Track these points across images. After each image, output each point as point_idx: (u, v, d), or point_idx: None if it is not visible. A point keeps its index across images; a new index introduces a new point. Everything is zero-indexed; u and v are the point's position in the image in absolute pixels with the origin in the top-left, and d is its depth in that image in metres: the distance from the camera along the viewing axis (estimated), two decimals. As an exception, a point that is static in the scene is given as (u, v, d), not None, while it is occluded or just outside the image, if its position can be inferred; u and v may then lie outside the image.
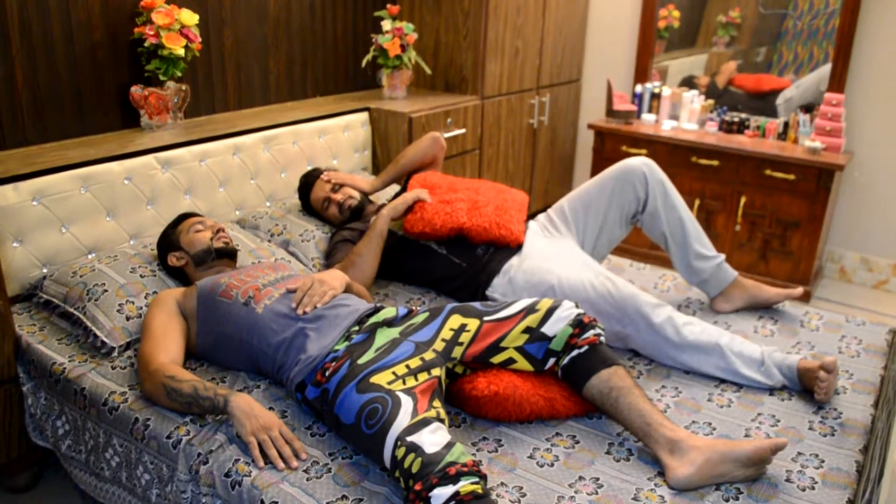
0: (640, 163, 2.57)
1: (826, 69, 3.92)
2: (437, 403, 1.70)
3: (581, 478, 1.69)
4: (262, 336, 1.95)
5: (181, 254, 2.28)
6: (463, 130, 3.62)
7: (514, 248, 2.51)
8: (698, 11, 4.44)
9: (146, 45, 2.60)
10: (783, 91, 4.13)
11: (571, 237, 2.64)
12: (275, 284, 2.08)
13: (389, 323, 1.97)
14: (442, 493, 1.44)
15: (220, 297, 2.04)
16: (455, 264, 2.51)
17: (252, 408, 1.73)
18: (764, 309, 2.58)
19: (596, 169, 4.32)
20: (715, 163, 3.91)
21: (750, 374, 2.10)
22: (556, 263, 2.40)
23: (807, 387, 2.06)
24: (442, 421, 1.63)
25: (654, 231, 2.61)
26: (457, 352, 1.89)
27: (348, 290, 2.17)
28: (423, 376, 1.75)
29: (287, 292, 2.05)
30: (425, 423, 1.57)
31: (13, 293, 2.28)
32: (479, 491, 1.46)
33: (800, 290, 2.56)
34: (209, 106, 3.08)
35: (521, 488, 1.65)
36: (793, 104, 4.06)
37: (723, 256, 2.57)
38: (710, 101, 4.26)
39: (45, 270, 2.34)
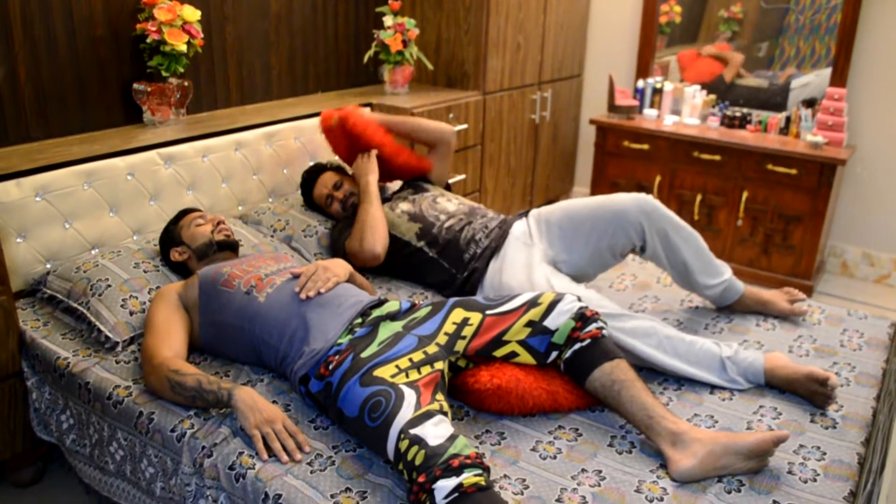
0: (637, 210, 2.37)
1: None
2: (440, 396, 1.70)
3: (584, 470, 1.70)
4: (264, 325, 1.96)
5: (183, 248, 2.29)
6: (465, 126, 3.62)
7: (493, 249, 2.46)
8: (700, 6, 4.44)
9: (148, 41, 2.60)
10: (800, 77, 4.11)
11: (548, 253, 2.48)
12: (277, 274, 2.09)
13: (393, 316, 1.97)
14: (445, 485, 1.44)
15: (221, 287, 2.05)
16: (445, 269, 2.51)
17: (256, 401, 1.74)
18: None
19: (598, 164, 4.32)
20: (717, 158, 3.91)
21: (712, 379, 2.07)
22: (515, 279, 2.36)
23: (775, 387, 2.06)
24: (445, 414, 1.64)
25: (655, 264, 2.49)
26: (459, 345, 1.89)
27: (352, 280, 2.18)
28: (426, 370, 1.76)
29: (291, 278, 2.06)
30: (428, 415, 1.58)
31: (17, 288, 2.29)
32: (483, 483, 1.47)
33: (805, 308, 2.47)
34: (211, 102, 3.08)
35: (524, 480, 1.65)
36: (807, 91, 4.03)
37: (729, 276, 2.45)
38: (712, 97, 4.25)
39: (48, 266, 2.35)
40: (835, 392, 1.95)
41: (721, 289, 2.45)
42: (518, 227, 2.55)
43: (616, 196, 2.45)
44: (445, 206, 2.66)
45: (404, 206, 2.67)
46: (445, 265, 2.51)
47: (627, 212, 2.38)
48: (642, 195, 2.41)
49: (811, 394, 1.98)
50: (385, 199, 2.77)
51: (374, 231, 2.48)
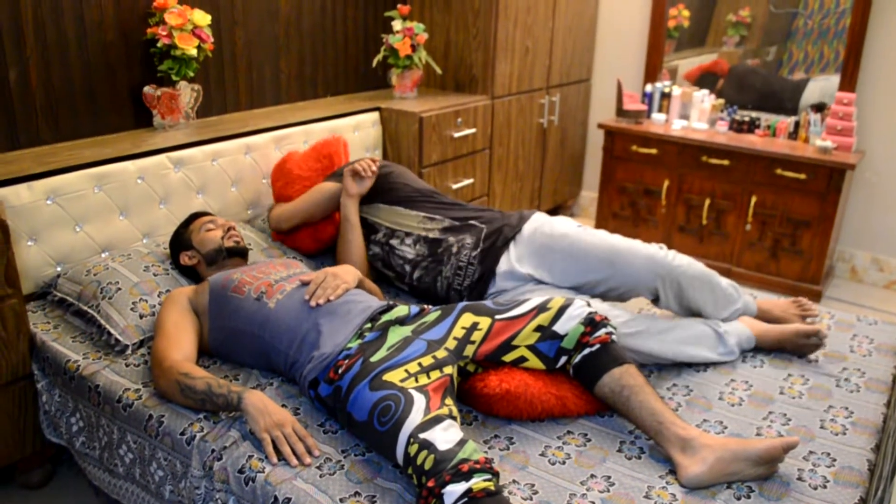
0: (651, 275, 2.21)
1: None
2: (449, 401, 1.70)
3: (593, 476, 1.70)
4: (275, 331, 1.96)
5: (193, 253, 2.30)
6: (473, 130, 3.62)
7: (479, 292, 2.37)
8: (708, 11, 4.44)
9: (159, 45, 2.62)
10: (819, 76, 4.08)
11: (544, 280, 2.36)
12: (287, 280, 2.10)
13: (402, 321, 1.98)
14: (454, 489, 1.44)
15: (232, 293, 2.05)
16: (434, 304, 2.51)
17: (265, 405, 1.75)
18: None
19: (606, 169, 4.31)
20: (725, 162, 3.90)
21: (713, 357, 2.20)
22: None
23: (763, 348, 2.28)
24: (454, 418, 1.64)
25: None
26: (469, 350, 1.89)
27: (360, 286, 2.18)
28: (435, 374, 1.76)
29: (300, 285, 2.06)
30: (438, 420, 1.58)
31: (28, 291, 2.30)
32: (492, 488, 1.47)
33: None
34: (221, 106, 3.09)
35: (533, 486, 1.65)
36: (829, 87, 4.00)
37: (739, 306, 2.33)
38: (721, 101, 4.25)
39: (59, 269, 2.36)
40: (824, 340, 2.21)
41: (735, 317, 2.36)
42: (503, 266, 2.36)
43: (628, 252, 2.25)
44: (404, 252, 2.49)
45: (374, 248, 2.57)
46: (432, 303, 2.47)
47: (640, 277, 2.24)
48: (657, 255, 2.23)
49: (799, 347, 2.24)
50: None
51: (346, 252, 2.50)
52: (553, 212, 2.65)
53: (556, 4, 4.12)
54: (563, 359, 1.91)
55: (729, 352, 2.22)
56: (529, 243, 2.37)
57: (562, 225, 2.39)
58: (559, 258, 2.32)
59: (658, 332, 2.17)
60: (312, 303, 1.98)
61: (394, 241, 2.51)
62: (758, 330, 2.28)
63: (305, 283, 2.07)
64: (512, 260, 2.36)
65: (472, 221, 2.46)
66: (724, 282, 2.35)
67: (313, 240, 2.68)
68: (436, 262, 2.43)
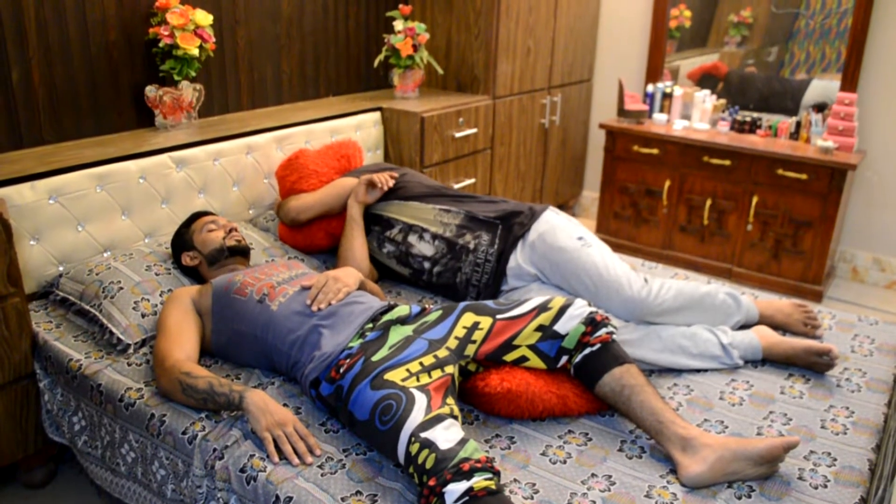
0: (628, 318, 2.24)
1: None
2: (450, 400, 1.71)
3: (593, 475, 1.70)
4: (277, 333, 1.97)
5: (194, 253, 2.30)
6: (474, 130, 3.63)
7: (493, 290, 2.42)
8: (710, 11, 4.44)
9: (161, 45, 2.62)
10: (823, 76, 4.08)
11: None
12: (289, 282, 2.10)
13: (403, 321, 1.98)
14: (456, 488, 1.45)
15: (234, 295, 2.06)
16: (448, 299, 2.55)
17: (267, 404, 1.75)
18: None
19: (607, 169, 4.32)
20: (727, 162, 3.90)
21: (715, 366, 2.18)
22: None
23: (772, 361, 2.22)
24: (455, 418, 1.65)
25: None
26: (470, 349, 1.90)
27: (362, 287, 2.18)
28: (436, 373, 1.76)
29: (301, 289, 2.06)
30: (439, 419, 1.58)
31: (30, 291, 2.30)
32: (493, 487, 1.47)
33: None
34: (223, 105, 3.10)
35: (534, 485, 1.66)
36: (830, 89, 4.01)
37: (740, 318, 2.33)
38: (722, 101, 4.25)
39: (61, 268, 2.36)
40: (836, 360, 2.13)
41: (735, 328, 2.35)
42: (511, 264, 2.42)
43: (610, 287, 2.25)
44: (422, 249, 2.51)
45: (388, 246, 2.59)
46: (450, 299, 2.53)
47: (618, 314, 2.26)
48: (636, 299, 2.22)
49: (811, 364, 2.15)
50: (373, 230, 2.65)
51: (351, 256, 2.50)
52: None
53: (558, 4, 4.12)
54: (564, 358, 1.91)
55: (732, 365, 2.19)
56: (532, 248, 2.41)
57: (564, 236, 2.39)
58: (553, 271, 2.37)
59: (657, 339, 2.17)
60: (314, 307, 1.99)
61: (412, 238, 2.54)
62: (767, 342, 2.21)
63: (307, 288, 2.07)
64: (519, 259, 2.41)
65: (487, 217, 2.49)
66: (722, 294, 2.33)
67: (326, 234, 2.69)
68: (455, 259, 2.47)
